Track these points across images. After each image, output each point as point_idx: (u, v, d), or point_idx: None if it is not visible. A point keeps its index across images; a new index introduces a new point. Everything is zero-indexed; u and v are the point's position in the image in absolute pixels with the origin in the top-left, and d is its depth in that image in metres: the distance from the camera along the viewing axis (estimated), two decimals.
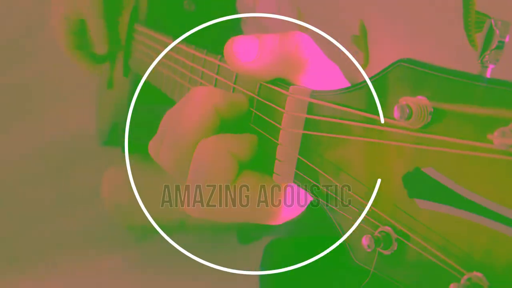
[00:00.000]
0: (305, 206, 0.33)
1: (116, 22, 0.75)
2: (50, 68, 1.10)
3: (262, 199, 0.30)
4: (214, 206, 0.29)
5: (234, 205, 0.29)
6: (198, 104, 0.30)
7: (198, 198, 0.29)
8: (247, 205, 0.29)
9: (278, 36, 0.29)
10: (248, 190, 0.29)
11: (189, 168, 0.29)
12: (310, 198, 0.32)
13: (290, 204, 0.31)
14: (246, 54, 0.28)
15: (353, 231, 0.24)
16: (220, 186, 0.28)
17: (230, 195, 0.29)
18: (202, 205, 0.29)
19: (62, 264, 0.83)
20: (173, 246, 0.79)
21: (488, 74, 0.19)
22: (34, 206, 0.92)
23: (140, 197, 0.72)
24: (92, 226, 0.87)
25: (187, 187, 0.29)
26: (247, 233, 0.80)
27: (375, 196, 0.23)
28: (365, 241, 0.22)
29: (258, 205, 0.30)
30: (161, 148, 0.31)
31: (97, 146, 0.95)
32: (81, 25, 0.74)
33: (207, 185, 0.28)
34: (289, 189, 0.31)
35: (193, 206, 0.29)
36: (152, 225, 0.73)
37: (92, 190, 0.89)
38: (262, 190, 0.30)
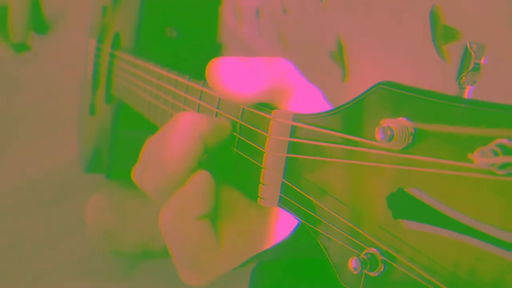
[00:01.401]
0: (293, 228, 0.33)
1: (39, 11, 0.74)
2: (37, 100, 1.10)
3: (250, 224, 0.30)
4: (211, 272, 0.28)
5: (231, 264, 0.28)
6: (183, 131, 0.29)
7: (191, 274, 0.28)
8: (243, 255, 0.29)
9: (263, 61, 0.29)
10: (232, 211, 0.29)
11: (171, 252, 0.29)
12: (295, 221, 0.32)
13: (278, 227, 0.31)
14: (232, 78, 0.28)
15: (340, 254, 0.24)
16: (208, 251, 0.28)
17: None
18: (199, 278, 0.28)
19: None
20: (162, 274, 0.78)
21: (467, 95, 0.20)
22: (22, 238, 0.90)
23: (125, 223, 0.71)
24: (81, 257, 0.86)
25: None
26: None
27: (361, 218, 0.23)
28: (351, 263, 0.22)
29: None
30: (144, 175, 0.31)
31: (85, 176, 0.95)
32: (2, 12, 0.74)
33: (190, 257, 0.28)
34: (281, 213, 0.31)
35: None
36: (138, 251, 0.72)
37: (81, 220, 0.88)
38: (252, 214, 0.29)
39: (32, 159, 1.04)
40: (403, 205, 0.20)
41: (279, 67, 0.29)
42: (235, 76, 0.28)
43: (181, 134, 0.29)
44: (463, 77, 0.19)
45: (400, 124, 0.20)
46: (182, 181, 0.29)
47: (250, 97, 0.29)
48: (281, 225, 0.32)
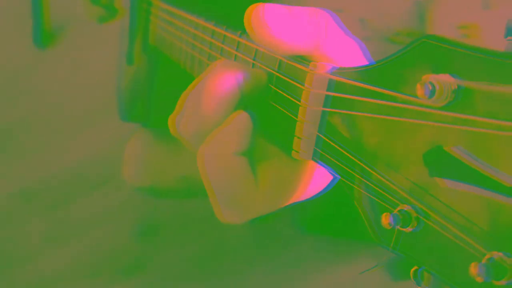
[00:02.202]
0: (327, 184, 0.33)
1: None
2: (39, 110, 1.11)
3: (297, 184, 0.30)
4: (251, 211, 0.28)
5: (271, 204, 0.28)
6: (219, 77, 0.29)
7: (232, 212, 0.28)
8: (285, 197, 0.29)
9: (307, 11, 0.28)
10: (277, 186, 0.29)
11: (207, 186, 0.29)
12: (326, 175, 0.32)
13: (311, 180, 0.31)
14: (277, 25, 0.27)
15: (373, 209, 0.24)
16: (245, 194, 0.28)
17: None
18: (238, 217, 0.29)
19: None
20: (164, 275, 0.80)
21: None
22: (24, 240, 0.92)
23: (168, 155, 0.72)
24: (84, 260, 0.88)
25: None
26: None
27: (395, 174, 0.22)
28: (385, 219, 0.22)
29: (296, 190, 0.29)
30: (182, 121, 0.31)
31: (88, 179, 0.96)
32: None
33: (231, 199, 0.28)
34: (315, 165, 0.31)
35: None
36: (181, 186, 0.73)
37: (85, 222, 0.90)
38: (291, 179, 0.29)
39: (36, 166, 1.05)
40: (440, 163, 0.20)
41: (321, 17, 0.28)
42: (280, 23, 0.27)
43: (217, 81, 0.29)
44: None
45: (443, 80, 0.19)
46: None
47: (291, 47, 0.28)
48: (316, 178, 0.32)
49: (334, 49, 0.30)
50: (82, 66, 0.90)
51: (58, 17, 1.20)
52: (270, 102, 0.32)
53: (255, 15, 0.27)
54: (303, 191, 0.31)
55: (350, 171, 0.25)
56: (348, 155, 0.25)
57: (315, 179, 0.32)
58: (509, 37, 0.19)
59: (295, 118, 0.29)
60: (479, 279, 0.18)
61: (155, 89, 0.72)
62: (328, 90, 0.27)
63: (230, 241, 0.83)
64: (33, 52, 1.19)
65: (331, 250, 0.80)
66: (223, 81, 0.29)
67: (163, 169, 0.75)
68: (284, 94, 0.30)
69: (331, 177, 0.33)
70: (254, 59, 0.34)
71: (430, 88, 0.19)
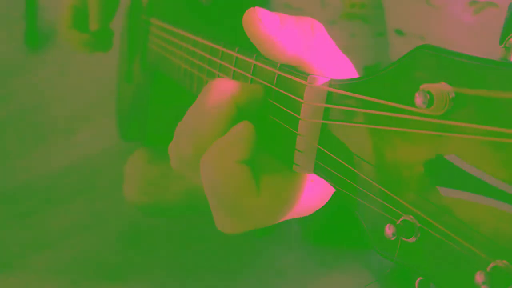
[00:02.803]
0: (329, 196, 0.33)
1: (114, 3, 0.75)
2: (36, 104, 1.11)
3: (297, 198, 0.30)
4: (249, 221, 0.28)
5: (269, 213, 0.29)
6: (216, 96, 0.30)
7: (229, 219, 0.29)
8: (283, 209, 0.29)
9: (292, 16, 0.30)
10: (278, 196, 0.29)
11: (207, 192, 0.29)
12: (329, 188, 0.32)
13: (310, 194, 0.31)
14: (269, 22, 0.29)
15: (375, 221, 0.24)
16: (246, 201, 0.28)
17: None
18: (236, 227, 0.29)
19: None
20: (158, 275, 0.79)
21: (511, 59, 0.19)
22: (19, 239, 0.91)
23: (169, 172, 0.72)
24: (80, 259, 0.86)
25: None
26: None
27: (397, 185, 0.22)
28: (388, 229, 0.22)
29: (295, 204, 0.29)
30: (178, 143, 0.31)
31: (84, 180, 0.95)
32: (81, 5, 0.75)
33: (231, 205, 0.28)
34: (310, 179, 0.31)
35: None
36: (183, 202, 0.73)
37: (64, 231, 0.89)
38: (292, 191, 0.29)
39: (17, 165, 1.04)
40: (441, 172, 0.20)
41: (310, 23, 0.30)
42: (273, 24, 0.29)
43: (212, 98, 0.29)
44: (510, 39, 0.18)
45: (440, 89, 0.19)
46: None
47: (283, 46, 0.29)
48: (317, 192, 0.32)
49: (325, 55, 0.30)
50: (73, 68, 0.89)
51: (50, 18, 1.21)
52: (270, 117, 0.32)
53: (249, 15, 0.29)
54: (304, 204, 0.31)
55: (352, 183, 0.25)
56: (349, 167, 0.25)
57: (317, 193, 0.32)
58: (509, 40, 0.19)
59: (295, 131, 0.29)
60: None
61: (153, 107, 0.72)
62: (327, 102, 0.27)
63: (215, 251, 0.83)
64: (24, 53, 1.20)
65: (320, 260, 0.80)
66: (218, 97, 0.29)
67: (164, 187, 0.75)
68: (283, 108, 0.30)
69: (333, 191, 0.33)
70: (252, 74, 0.34)
71: (428, 97, 0.20)
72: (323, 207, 0.33)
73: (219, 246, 0.83)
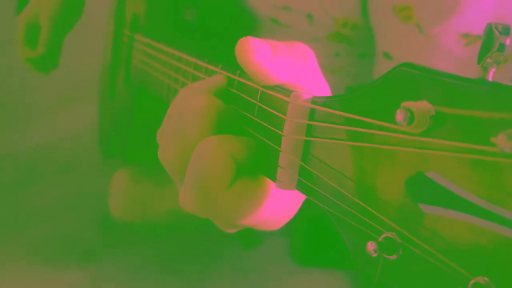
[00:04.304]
0: (299, 207, 0.33)
1: (64, 29, 0.76)
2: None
3: (258, 207, 0.30)
4: (210, 207, 0.29)
5: (229, 210, 0.29)
6: (189, 95, 0.31)
7: (193, 198, 0.29)
8: (242, 211, 0.29)
9: (285, 43, 0.30)
10: (244, 197, 0.29)
11: (187, 167, 0.30)
12: (303, 197, 0.32)
13: (284, 210, 0.32)
14: (262, 52, 0.29)
15: (357, 237, 0.24)
16: (216, 188, 0.28)
17: (227, 199, 0.29)
18: (196, 206, 0.29)
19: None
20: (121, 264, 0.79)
21: (489, 78, 0.19)
22: None
23: (155, 188, 0.72)
24: (35, 247, 0.86)
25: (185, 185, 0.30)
26: (250, 238, 0.80)
27: (379, 202, 0.23)
28: (370, 246, 0.22)
29: (252, 213, 0.30)
30: (161, 144, 0.32)
31: (54, 161, 0.94)
32: (35, 23, 0.76)
33: (203, 186, 0.29)
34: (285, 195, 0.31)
35: (188, 204, 0.30)
36: (169, 218, 0.73)
37: (39, 210, 0.88)
38: (257, 199, 0.30)
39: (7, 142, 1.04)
40: (422, 189, 0.20)
41: (300, 49, 0.30)
42: (264, 52, 0.29)
43: (187, 97, 0.31)
44: (487, 58, 0.19)
45: (421, 106, 0.20)
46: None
47: (274, 74, 0.29)
48: (283, 209, 0.32)
49: (313, 81, 0.31)
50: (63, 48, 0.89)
51: None
52: (253, 133, 0.32)
53: (241, 45, 0.29)
54: (266, 217, 0.31)
55: (334, 200, 0.25)
56: (331, 183, 0.26)
57: (282, 209, 0.32)
58: (487, 61, 0.19)
59: (278, 148, 0.29)
60: None
61: (135, 124, 0.72)
62: (309, 119, 0.28)
63: (192, 242, 0.83)
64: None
65: (305, 278, 0.80)
66: (193, 96, 0.31)
67: (149, 206, 0.75)
68: (266, 125, 0.30)
69: (298, 206, 0.33)
70: (235, 89, 0.34)
71: (409, 114, 0.20)
72: (312, 225, 0.34)
73: (196, 239, 0.83)
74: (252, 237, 0.81)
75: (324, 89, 0.32)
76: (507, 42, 0.19)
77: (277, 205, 0.31)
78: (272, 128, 0.30)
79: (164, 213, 0.73)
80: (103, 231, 0.87)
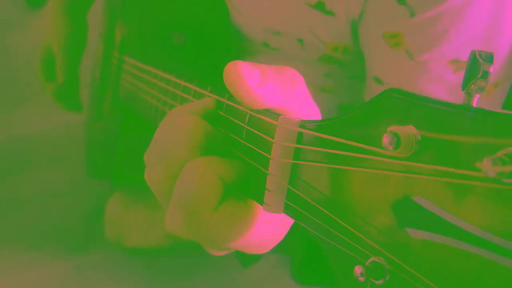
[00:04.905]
0: (288, 229, 0.33)
1: (78, 56, 0.78)
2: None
3: (246, 229, 0.30)
4: (197, 229, 0.29)
5: (217, 232, 0.29)
6: (176, 118, 0.31)
7: (179, 220, 0.29)
8: (230, 233, 0.29)
9: (274, 67, 0.30)
10: (232, 219, 0.29)
11: (173, 189, 0.29)
12: (292, 220, 0.32)
13: (273, 232, 0.32)
14: (250, 77, 0.29)
15: (344, 261, 0.24)
16: (203, 209, 0.28)
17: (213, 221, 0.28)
18: (183, 228, 0.29)
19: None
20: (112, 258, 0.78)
21: (474, 103, 0.20)
22: None
23: (151, 214, 0.72)
24: (22, 235, 0.85)
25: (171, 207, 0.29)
26: (249, 255, 0.80)
27: (366, 226, 0.23)
28: (357, 270, 0.22)
29: (240, 236, 0.30)
30: (147, 165, 0.31)
31: (45, 149, 0.93)
32: (49, 55, 0.77)
33: (189, 206, 0.28)
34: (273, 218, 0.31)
35: (175, 227, 0.29)
36: (167, 243, 0.72)
37: (28, 198, 0.87)
38: (246, 221, 0.30)
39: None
40: (408, 213, 0.20)
41: (289, 73, 0.30)
42: (253, 77, 0.29)
43: (174, 120, 0.31)
44: (471, 85, 0.19)
45: (407, 131, 0.20)
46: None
47: (263, 98, 0.29)
48: (272, 232, 0.32)
49: (302, 105, 0.31)
50: None
51: None
52: (241, 156, 0.32)
53: (230, 70, 0.29)
54: (255, 240, 0.31)
55: (321, 224, 0.25)
56: (319, 207, 0.26)
57: (271, 232, 0.32)
58: (471, 88, 0.20)
59: (265, 171, 0.29)
60: None
61: (122, 145, 0.71)
62: (297, 142, 0.28)
63: (191, 259, 0.82)
64: (24, 10, 1.17)
65: None
66: (181, 117, 0.31)
67: (145, 231, 0.74)
68: (254, 148, 0.30)
69: (287, 229, 0.33)
70: (224, 112, 0.34)
71: (395, 139, 0.20)
72: (312, 244, 0.33)
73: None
74: (251, 255, 0.81)
75: (313, 112, 0.32)
76: (491, 69, 0.20)
77: (266, 227, 0.31)
78: (260, 151, 0.30)
79: (162, 237, 0.73)
80: (91, 221, 0.87)
